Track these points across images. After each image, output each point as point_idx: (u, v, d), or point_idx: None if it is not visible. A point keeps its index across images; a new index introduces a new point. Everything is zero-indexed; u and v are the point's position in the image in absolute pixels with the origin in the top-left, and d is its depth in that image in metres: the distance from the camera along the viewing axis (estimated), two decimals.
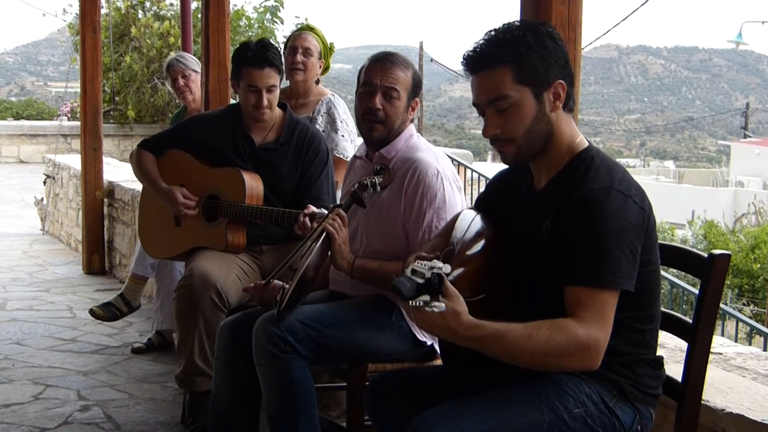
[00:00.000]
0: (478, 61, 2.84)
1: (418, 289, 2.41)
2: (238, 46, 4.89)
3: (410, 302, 2.42)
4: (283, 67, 4.87)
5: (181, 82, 6.87)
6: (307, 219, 4.30)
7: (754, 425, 3.03)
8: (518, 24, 2.86)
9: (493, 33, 2.83)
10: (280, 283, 3.83)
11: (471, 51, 2.84)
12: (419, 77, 3.96)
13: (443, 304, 2.44)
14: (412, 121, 3.97)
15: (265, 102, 4.76)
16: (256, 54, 4.74)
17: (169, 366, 5.99)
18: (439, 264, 2.43)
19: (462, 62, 2.89)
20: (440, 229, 3.60)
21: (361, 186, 3.74)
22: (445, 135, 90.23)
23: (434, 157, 3.85)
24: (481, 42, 2.83)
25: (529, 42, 2.78)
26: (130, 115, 17.92)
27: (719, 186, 47.66)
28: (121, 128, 18.25)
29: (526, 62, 2.78)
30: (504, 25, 2.86)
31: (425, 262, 2.44)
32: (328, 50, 5.90)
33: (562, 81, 2.82)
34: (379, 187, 3.75)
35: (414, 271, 2.43)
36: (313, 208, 4.34)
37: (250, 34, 17.50)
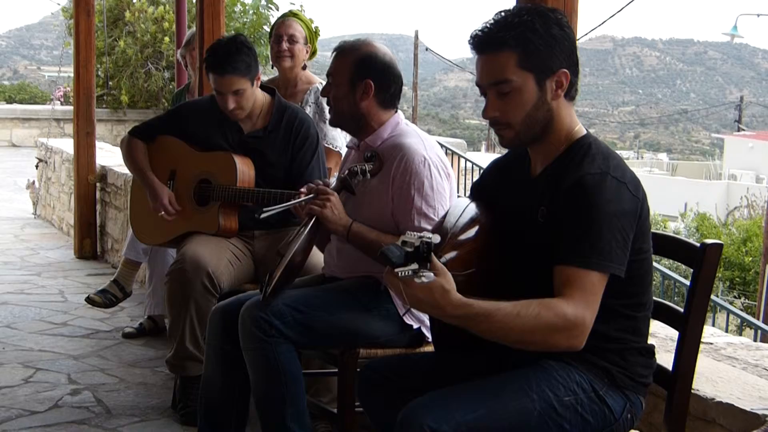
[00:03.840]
0: (484, 42, 2.84)
1: (406, 257, 2.42)
2: (228, 34, 4.87)
3: (399, 272, 2.42)
4: (251, 66, 4.79)
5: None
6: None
7: (744, 414, 3.05)
8: (528, 8, 2.85)
9: (502, 15, 2.83)
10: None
11: (479, 31, 2.84)
12: (367, 58, 3.86)
13: (432, 274, 2.44)
14: (393, 106, 3.94)
15: (231, 105, 4.77)
16: (219, 60, 4.74)
17: (160, 351, 5.98)
18: (429, 234, 2.43)
19: (469, 41, 2.88)
20: (430, 215, 3.66)
21: (350, 173, 3.74)
22: (439, 124, 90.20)
23: (422, 143, 3.82)
24: (489, 23, 2.84)
25: (536, 28, 2.78)
26: (124, 100, 17.90)
27: (712, 179, 47.72)
28: (114, 113, 18.24)
29: (531, 48, 2.78)
30: (514, 7, 2.86)
31: (415, 233, 2.44)
32: (313, 35, 5.84)
33: (566, 70, 2.82)
34: (369, 174, 3.73)
35: (404, 242, 2.43)
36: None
37: (245, 20, 17.47)
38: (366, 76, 3.83)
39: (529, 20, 2.79)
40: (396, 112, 3.95)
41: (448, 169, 3.87)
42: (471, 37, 2.87)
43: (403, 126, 3.93)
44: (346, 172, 3.77)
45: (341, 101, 3.89)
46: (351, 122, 3.94)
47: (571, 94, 2.88)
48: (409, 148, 3.77)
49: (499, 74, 2.81)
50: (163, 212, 4.90)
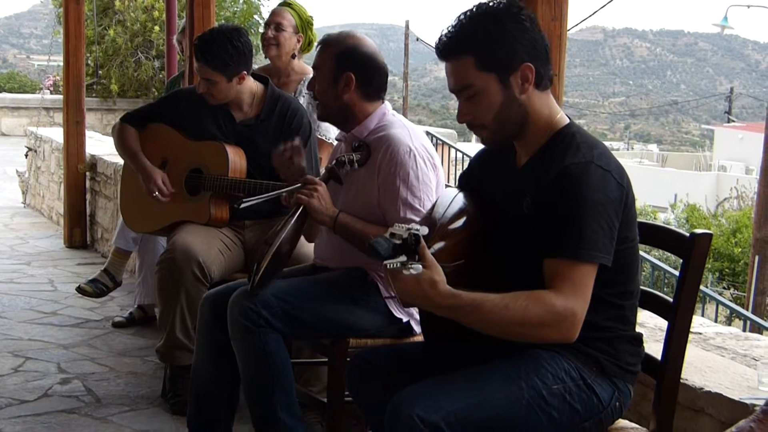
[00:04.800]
0: (444, 50, 2.88)
1: (395, 249, 2.43)
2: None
3: (387, 264, 2.43)
4: (230, 64, 4.77)
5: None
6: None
7: (732, 404, 3.06)
8: (480, 10, 2.85)
9: (457, 21, 2.86)
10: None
11: (438, 39, 2.89)
12: (347, 51, 3.86)
13: (420, 266, 2.46)
14: (378, 97, 3.94)
15: (200, 89, 4.82)
16: (199, 46, 4.80)
17: (150, 340, 5.98)
18: (417, 226, 2.46)
19: (435, 50, 2.92)
20: (415, 206, 3.68)
21: (338, 162, 3.76)
22: (429, 115, 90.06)
23: (408, 134, 3.82)
24: (448, 29, 2.87)
25: (489, 29, 2.80)
26: (114, 89, 17.85)
27: (702, 170, 47.78)
28: (104, 102, 18.19)
29: (487, 50, 2.80)
30: (468, 10, 2.87)
31: (403, 225, 2.46)
32: (305, 24, 5.83)
33: (529, 63, 2.81)
34: (356, 164, 3.74)
35: (392, 234, 2.45)
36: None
37: (236, 9, 17.45)
38: (347, 69, 3.84)
39: (480, 21, 2.82)
40: (382, 102, 3.95)
41: (435, 160, 3.87)
42: (435, 45, 2.92)
43: (389, 117, 3.93)
44: (334, 162, 3.80)
45: (325, 94, 3.90)
46: (336, 115, 3.95)
47: (543, 84, 2.88)
48: (394, 139, 3.77)
49: (462, 80, 2.85)
50: (156, 193, 4.90)
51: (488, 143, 2.97)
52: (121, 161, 5.63)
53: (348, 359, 3.48)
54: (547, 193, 2.74)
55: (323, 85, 3.89)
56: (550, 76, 2.91)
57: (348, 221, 3.76)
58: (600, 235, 2.66)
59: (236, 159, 4.77)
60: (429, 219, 2.95)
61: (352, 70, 3.83)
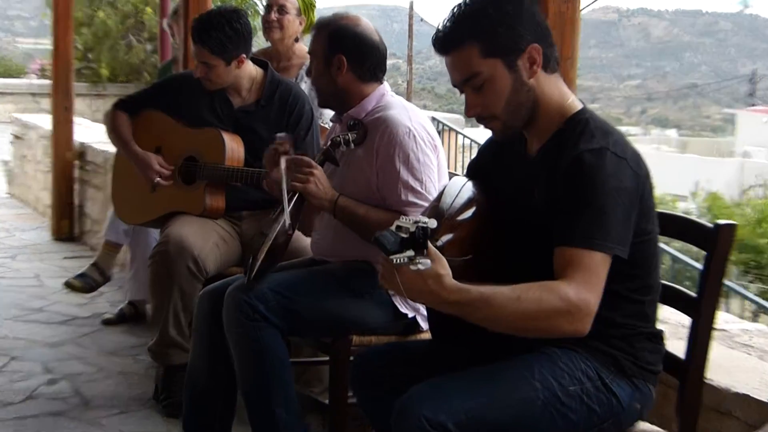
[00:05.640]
0: (445, 43, 2.88)
1: (402, 244, 2.40)
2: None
3: (393, 259, 2.41)
4: (228, 47, 4.76)
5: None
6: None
7: (761, 406, 3.04)
8: None
9: (455, 10, 2.86)
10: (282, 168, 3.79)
11: (436, 33, 2.89)
12: (337, 33, 3.88)
13: (428, 261, 2.42)
14: (375, 78, 3.93)
15: (198, 73, 4.82)
16: (196, 28, 4.79)
17: (141, 338, 5.95)
18: (425, 219, 2.41)
19: (432, 44, 2.93)
20: (417, 188, 3.69)
21: (333, 143, 3.76)
22: (435, 99, 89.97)
23: (407, 114, 3.83)
24: (445, 22, 2.87)
25: (489, 13, 2.80)
26: (104, 74, 17.84)
27: (724, 156, 47.76)
28: (93, 87, 18.16)
29: (490, 35, 2.79)
30: (462, 1, 2.87)
31: (410, 217, 2.42)
32: (308, 6, 5.83)
33: (535, 44, 2.81)
34: (352, 144, 3.74)
35: (399, 227, 2.41)
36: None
37: None
38: (338, 51, 3.85)
39: (479, 7, 2.82)
40: (380, 84, 3.95)
41: (435, 141, 3.87)
42: (432, 41, 2.92)
43: (388, 98, 3.93)
44: (329, 143, 3.80)
45: (320, 79, 3.93)
46: (333, 100, 3.97)
47: (551, 66, 2.88)
48: (392, 120, 3.77)
49: (467, 70, 2.84)
50: (157, 178, 4.88)
51: (501, 135, 2.96)
52: (111, 149, 5.62)
53: (351, 358, 3.46)
54: (559, 182, 2.72)
55: (318, 69, 3.92)
56: (557, 58, 2.91)
57: (349, 204, 3.75)
58: (615, 225, 2.63)
59: (234, 146, 4.76)
60: (436, 209, 2.93)
61: (342, 51, 3.84)
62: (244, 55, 4.81)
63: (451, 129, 13.19)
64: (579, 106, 2.89)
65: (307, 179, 3.69)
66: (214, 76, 4.79)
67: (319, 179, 3.71)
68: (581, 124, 2.81)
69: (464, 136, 13.23)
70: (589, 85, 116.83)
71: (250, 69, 4.89)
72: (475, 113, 2.90)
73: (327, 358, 3.87)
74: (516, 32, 2.79)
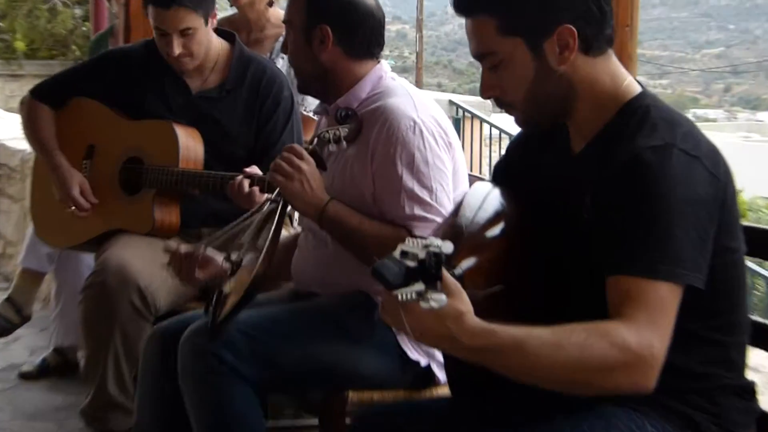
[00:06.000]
0: (459, 4, 2.89)
1: (408, 275, 2.32)
2: None
3: (399, 294, 2.33)
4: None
5: None
6: (245, 182, 4.27)
7: None
8: None
9: None
10: (219, 258, 3.78)
11: None
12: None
13: (444, 296, 2.35)
14: (369, 55, 3.94)
15: (177, 50, 4.74)
16: None
17: (71, 396, 5.96)
18: (437, 241, 2.34)
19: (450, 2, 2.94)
20: (426, 199, 3.66)
21: (320, 141, 3.70)
22: (453, 76, 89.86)
23: (411, 102, 3.79)
24: None
25: None
26: (20, 48, 17.88)
27: None
28: (7, 65, 18.23)
29: (512, 8, 2.80)
30: None
31: (418, 239, 2.36)
32: None
33: (569, 24, 2.79)
34: (343, 142, 3.68)
35: (404, 253, 2.34)
36: (256, 170, 4.32)
37: None
38: (320, 21, 3.83)
39: None
40: (377, 62, 3.95)
41: (450, 137, 3.83)
42: None
43: (387, 81, 3.92)
44: (315, 141, 3.72)
45: (298, 57, 3.93)
46: (316, 84, 3.96)
47: (595, 47, 2.85)
48: (393, 111, 3.73)
49: (481, 45, 2.86)
50: (73, 207, 4.88)
51: (524, 126, 2.97)
52: (31, 148, 5.62)
53: (347, 421, 3.48)
54: (612, 188, 2.71)
55: (296, 44, 3.90)
56: (608, 36, 2.87)
57: (339, 213, 3.70)
58: (686, 246, 2.61)
59: (190, 143, 4.76)
60: (453, 226, 2.94)
61: (326, 21, 3.82)
62: (213, 13, 4.81)
63: (474, 116, 13.09)
64: (637, 89, 2.88)
65: (292, 174, 3.65)
66: (194, 46, 4.76)
67: (308, 177, 3.65)
68: (639, 113, 2.80)
69: (491, 125, 13.02)
70: (655, 55, 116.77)
71: (214, 41, 4.89)
72: (492, 95, 2.92)
73: (316, 422, 3.89)
74: (544, 7, 2.79)
